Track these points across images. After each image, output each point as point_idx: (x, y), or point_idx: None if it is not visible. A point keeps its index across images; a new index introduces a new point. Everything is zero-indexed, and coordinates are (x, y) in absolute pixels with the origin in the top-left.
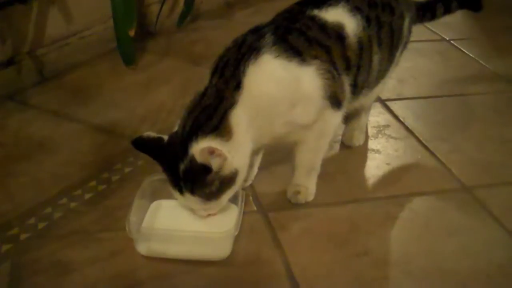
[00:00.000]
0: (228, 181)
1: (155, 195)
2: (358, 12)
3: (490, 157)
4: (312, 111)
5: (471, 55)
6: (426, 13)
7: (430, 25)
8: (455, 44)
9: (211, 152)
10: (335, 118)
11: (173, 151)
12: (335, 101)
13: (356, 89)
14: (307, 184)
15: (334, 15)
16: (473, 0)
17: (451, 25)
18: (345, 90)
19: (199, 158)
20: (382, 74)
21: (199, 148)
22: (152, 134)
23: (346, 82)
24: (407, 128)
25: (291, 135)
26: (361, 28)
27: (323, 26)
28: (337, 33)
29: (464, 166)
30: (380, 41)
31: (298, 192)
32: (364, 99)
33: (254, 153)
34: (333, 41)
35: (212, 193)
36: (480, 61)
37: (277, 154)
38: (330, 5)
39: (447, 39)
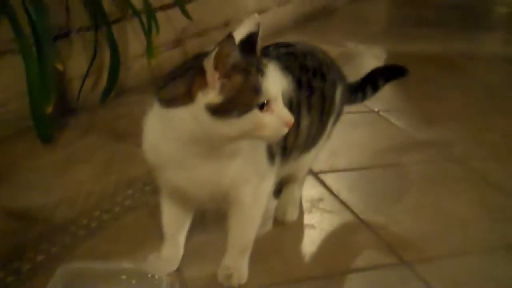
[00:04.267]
0: None
1: (70, 287)
2: (289, 73)
3: (427, 228)
4: None
5: (398, 125)
6: (358, 94)
7: None
8: (383, 115)
9: None
10: (268, 180)
11: None
12: (268, 153)
13: (285, 152)
14: (240, 265)
15: None
16: (397, 68)
17: (378, 96)
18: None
19: None
20: (312, 141)
21: None
22: None
23: None
24: (341, 201)
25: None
26: (291, 90)
27: None
28: None
29: (401, 239)
30: (310, 106)
31: (230, 275)
32: (295, 166)
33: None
34: None
35: None
36: (408, 130)
37: (205, 235)
38: None
39: (375, 110)
